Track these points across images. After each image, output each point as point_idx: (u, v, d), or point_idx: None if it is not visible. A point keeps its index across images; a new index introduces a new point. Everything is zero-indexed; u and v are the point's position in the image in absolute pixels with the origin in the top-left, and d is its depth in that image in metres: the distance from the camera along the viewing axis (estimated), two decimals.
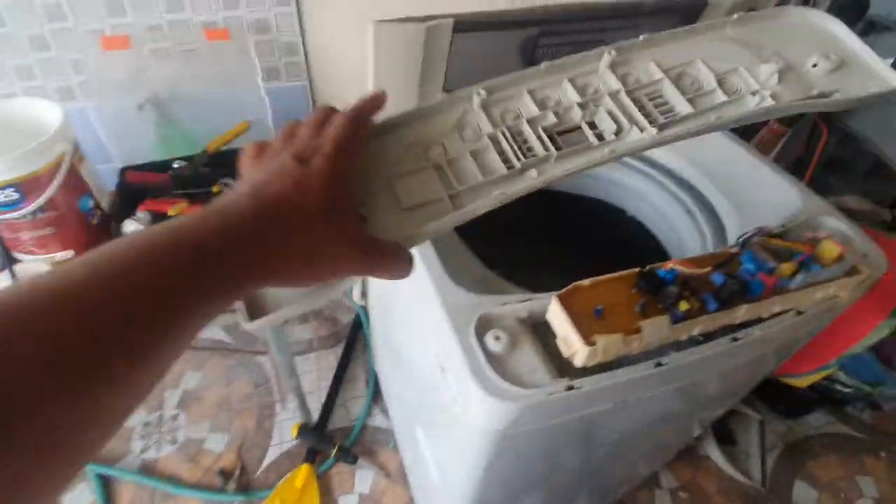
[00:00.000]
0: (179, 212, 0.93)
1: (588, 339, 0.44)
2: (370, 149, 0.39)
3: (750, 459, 1.41)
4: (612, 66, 0.44)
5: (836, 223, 0.66)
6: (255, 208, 0.28)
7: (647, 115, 0.41)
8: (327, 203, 0.31)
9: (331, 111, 0.36)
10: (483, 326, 0.51)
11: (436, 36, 0.59)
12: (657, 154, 0.84)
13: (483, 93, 0.41)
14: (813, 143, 1.55)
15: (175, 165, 1.05)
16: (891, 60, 1.19)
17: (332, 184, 0.31)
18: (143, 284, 0.23)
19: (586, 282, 0.49)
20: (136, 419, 1.51)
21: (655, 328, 0.46)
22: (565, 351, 0.46)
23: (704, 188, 0.78)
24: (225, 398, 1.47)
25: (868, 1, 1.19)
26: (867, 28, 1.31)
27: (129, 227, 0.90)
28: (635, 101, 0.42)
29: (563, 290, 0.48)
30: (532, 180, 0.39)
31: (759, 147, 1.25)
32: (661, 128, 0.41)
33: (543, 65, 0.43)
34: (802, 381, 1.22)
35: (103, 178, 1.06)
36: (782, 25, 0.49)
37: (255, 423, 1.41)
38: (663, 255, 0.85)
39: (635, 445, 0.80)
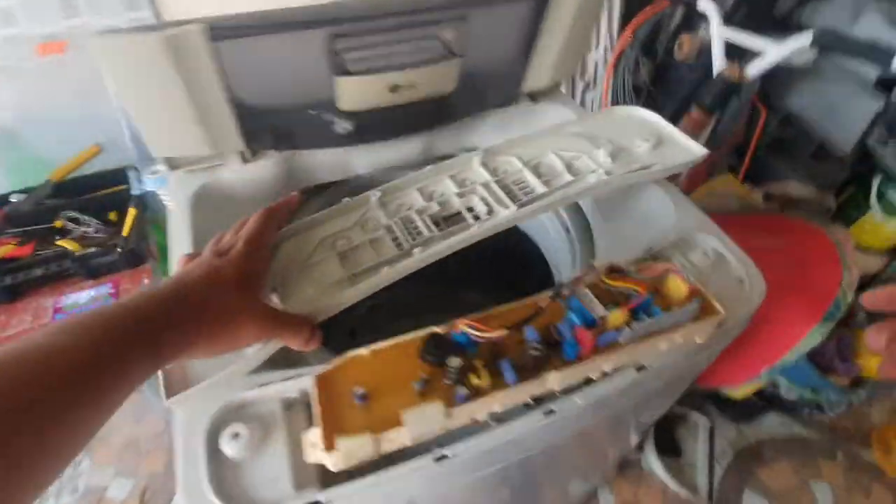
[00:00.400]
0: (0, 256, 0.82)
1: (328, 441, 0.34)
2: (290, 246, 0.49)
3: (696, 471, 1.32)
4: (484, 163, 0.56)
5: (711, 241, 0.55)
6: (176, 287, 0.35)
7: (512, 197, 0.52)
8: (240, 283, 0.38)
9: (248, 219, 0.45)
10: (222, 422, 0.40)
11: (183, 47, 0.47)
12: None
13: (378, 194, 0.53)
14: (753, 126, 1.44)
15: (13, 199, 0.94)
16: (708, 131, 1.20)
17: (244, 269, 0.39)
18: (69, 363, 0.27)
19: (365, 351, 0.41)
20: None
21: (424, 418, 0.36)
22: (308, 455, 0.36)
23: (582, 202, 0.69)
24: (133, 439, 1.37)
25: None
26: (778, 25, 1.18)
27: None
28: (503, 187, 0.53)
29: (333, 363, 0.40)
30: (417, 257, 0.47)
31: None
32: (521, 205, 0.51)
33: (428, 168, 0.55)
34: (738, 393, 1.13)
35: None
36: (614, 119, 0.63)
37: (164, 467, 1.31)
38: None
39: (532, 482, 0.70)
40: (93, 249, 0.86)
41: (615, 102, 1.37)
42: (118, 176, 0.99)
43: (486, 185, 0.53)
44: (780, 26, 1.24)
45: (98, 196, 0.95)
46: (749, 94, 1.38)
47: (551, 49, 0.68)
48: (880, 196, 1.18)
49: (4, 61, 0.97)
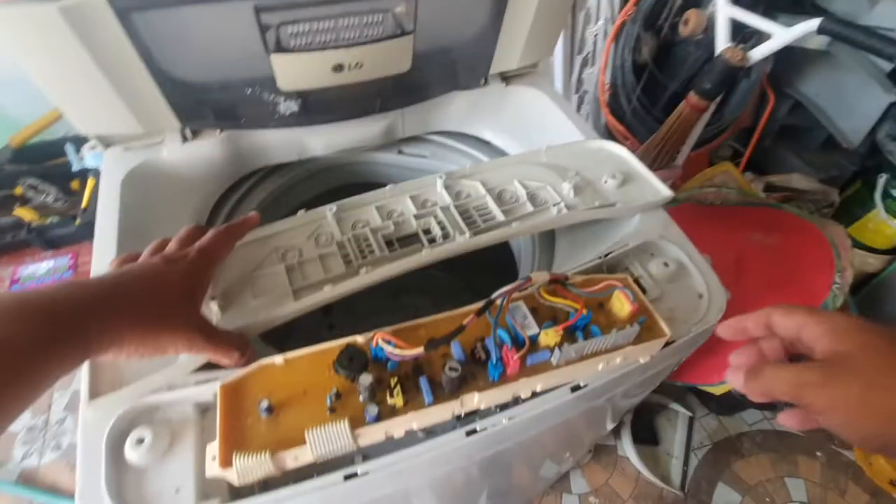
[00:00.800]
0: None
1: (224, 457, 0.33)
2: (241, 253, 0.48)
3: (672, 460, 1.32)
4: (447, 186, 0.56)
5: (673, 250, 0.51)
6: (117, 282, 0.35)
7: (469, 223, 0.52)
8: (184, 293, 0.37)
9: (196, 230, 0.44)
10: (128, 424, 0.39)
11: (87, 19, 0.43)
12: (489, 137, 0.79)
13: (335, 209, 0.52)
14: (762, 112, 1.35)
15: None
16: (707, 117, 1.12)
17: (190, 281, 0.38)
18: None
19: (279, 359, 0.38)
20: (20, 424, 1.43)
21: (329, 438, 0.34)
22: (208, 469, 0.34)
23: None
24: None
25: None
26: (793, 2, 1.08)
27: None
28: (463, 212, 0.53)
29: (244, 371, 0.37)
30: (362, 277, 0.47)
31: (677, 124, 1.07)
32: (476, 233, 0.51)
33: (388, 188, 0.55)
34: (717, 390, 1.10)
35: None
36: (584, 152, 0.62)
37: None
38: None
39: (499, 473, 0.69)
40: (52, 220, 0.84)
41: (614, 80, 1.29)
42: (83, 143, 0.96)
43: (445, 209, 0.53)
44: (796, 5, 1.14)
45: (59, 164, 0.92)
46: (758, 76, 1.29)
47: (519, 28, 0.63)
48: (885, 194, 1.12)
49: None
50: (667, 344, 0.47)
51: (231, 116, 0.59)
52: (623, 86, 1.27)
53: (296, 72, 0.54)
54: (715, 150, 1.43)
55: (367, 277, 0.47)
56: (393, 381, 0.37)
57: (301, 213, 0.51)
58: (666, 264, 0.52)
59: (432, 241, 0.51)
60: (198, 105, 0.57)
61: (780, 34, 0.92)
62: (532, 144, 0.72)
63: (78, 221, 0.82)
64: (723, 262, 0.80)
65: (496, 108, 0.74)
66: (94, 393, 0.40)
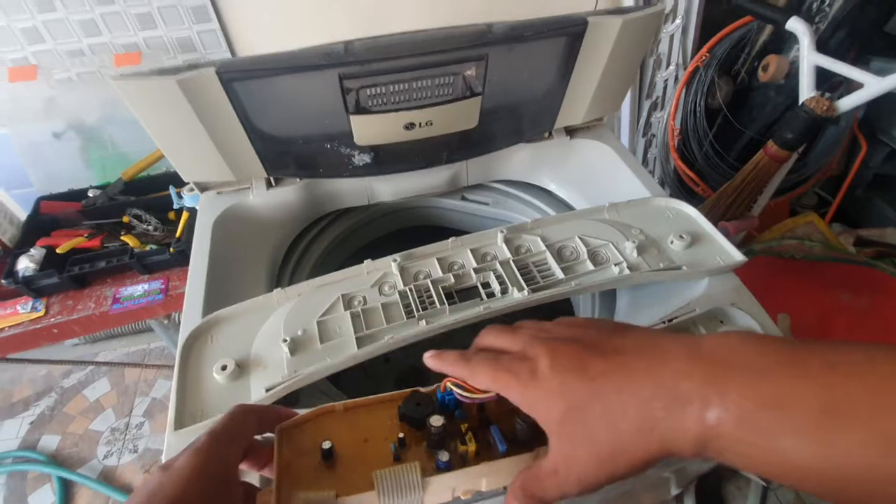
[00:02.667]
0: (71, 247, 0.92)
1: (283, 499, 0.31)
2: (310, 299, 0.52)
3: None
4: (507, 240, 0.57)
5: (746, 321, 0.50)
6: None
7: (528, 279, 0.53)
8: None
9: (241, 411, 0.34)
10: None
11: (198, 88, 0.49)
12: (553, 188, 0.79)
13: (398, 259, 0.55)
14: (852, 161, 1.26)
15: (90, 194, 1.05)
16: (787, 167, 1.05)
17: (193, 481, 0.28)
18: None
19: (339, 405, 0.37)
20: (106, 424, 1.56)
21: (398, 482, 0.32)
22: None
23: None
24: None
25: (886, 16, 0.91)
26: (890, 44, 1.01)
27: (22, 263, 0.91)
28: (522, 267, 0.54)
29: (304, 415, 0.36)
30: (421, 328, 0.49)
31: (754, 173, 1.02)
32: (535, 290, 0.51)
33: (451, 240, 0.57)
34: None
35: (24, 205, 1.09)
36: (650, 210, 0.61)
37: None
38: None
39: None
40: (150, 248, 0.94)
41: (685, 125, 1.26)
42: (180, 178, 1.07)
43: (505, 264, 0.54)
44: (891, 48, 1.07)
45: (160, 196, 1.03)
46: (849, 123, 1.21)
47: (586, 87, 0.64)
48: None
49: (90, 68, 1.08)
50: None
51: (310, 167, 0.65)
52: (694, 131, 1.24)
53: (371, 130, 0.58)
54: (797, 198, 1.34)
55: (426, 328, 0.48)
56: (463, 427, 0.35)
57: (367, 262, 0.54)
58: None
59: (490, 295, 0.52)
60: (282, 157, 0.62)
61: (872, 84, 0.86)
62: (595, 197, 0.72)
63: (172, 250, 0.91)
64: (803, 322, 0.74)
65: (559, 160, 0.75)
66: (180, 423, 0.44)
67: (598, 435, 0.26)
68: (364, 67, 0.52)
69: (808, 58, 0.95)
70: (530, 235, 0.57)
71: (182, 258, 0.94)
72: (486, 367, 0.32)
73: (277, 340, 0.48)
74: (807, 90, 0.95)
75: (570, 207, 0.75)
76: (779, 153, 0.98)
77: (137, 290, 0.92)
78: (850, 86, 1.01)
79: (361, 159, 0.64)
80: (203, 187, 0.67)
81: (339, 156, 0.63)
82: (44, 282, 0.89)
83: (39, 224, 0.99)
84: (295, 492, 0.31)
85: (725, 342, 0.26)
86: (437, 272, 0.54)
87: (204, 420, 0.44)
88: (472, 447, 0.34)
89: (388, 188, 0.74)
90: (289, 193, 0.68)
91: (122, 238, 0.96)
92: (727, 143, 1.25)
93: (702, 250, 0.55)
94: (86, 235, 0.95)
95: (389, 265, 0.54)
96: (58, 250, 0.91)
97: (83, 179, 1.12)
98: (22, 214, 1.06)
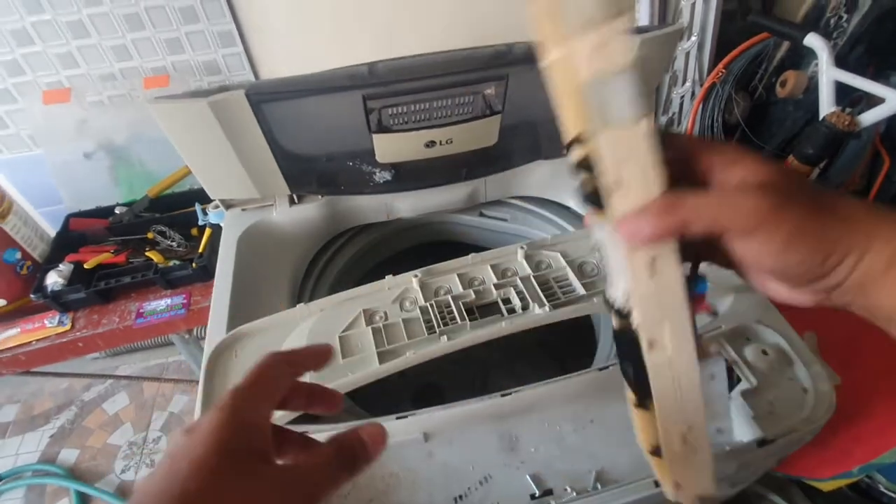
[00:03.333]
0: (98, 263, 0.94)
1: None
2: (331, 313, 0.53)
3: None
4: (528, 256, 0.57)
5: (773, 336, 0.49)
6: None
7: (549, 294, 0.53)
8: (219, 461, 0.24)
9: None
10: None
11: (227, 109, 0.51)
12: (572, 204, 0.79)
13: (419, 275, 0.55)
14: (874, 175, 1.23)
15: (116, 211, 1.08)
16: None
17: (223, 438, 0.25)
18: None
19: None
20: (124, 438, 1.58)
21: None
22: None
23: None
24: None
25: None
26: None
27: (51, 278, 0.94)
28: (543, 283, 0.54)
29: None
30: (442, 344, 0.49)
31: None
32: (556, 306, 0.51)
33: (471, 256, 0.57)
34: (825, 486, 0.97)
35: (54, 222, 1.13)
36: None
37: None
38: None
39: None
40: (173, 263, 0.96)
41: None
42: (203, 194, 1.10)
43: (525, 280, 0.54)
44: None
45: (184, 213, 1.05)
46: (870, 137, 1.19)
47: None
48: None
49: (120, 90, 1.12)
50: (764, 442, 0.44)
51: (332, 184, 0.66)
52: None
53: (393, 148, 0.60)
54: None
55: (447, 345, 0.49)
56: None
57: (388, 277, 0.55)
58: (765, 352, 0.49)
59: (511, 311, 0.52)
60: (305, 174, 0.64)
61: (893, 98, 0.85)
62: None
63: (194, 265, 0.92)
64: (832, 339, 0.73)
65: None
66: None
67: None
68: (387, 88, 0.53)
69: (828, 73, 0.95)
70: (551, 251, 0.57)
71: (204, 273, 0.95)
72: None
73: None
74: (827, 105, 0.94)
75: None
76: (800, 168, 0.97)
77: (160, 304, 0.94)
78: (871, 101, 1.00)
79: (382, 176, 0.65)
80: (228, 204, 0.69)
81: (361, 173, 0.64)
82: (71, 296, 0.91)
83: (68, 240, 1.02)
84: None
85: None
86: (458, 288, 0.54)
87: None
88: None
89: (407, 204, 0.75)
90: (311, 210, 0.69)
91: (147, 254, 0.98)
92: None
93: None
94: (112, 251, 0.98)
95: (410, 281, 0.55)
96: (85, 265, 0.93)
97: (111, 197, 1.15)
98: (51, 231, 1.09)
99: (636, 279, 0.24)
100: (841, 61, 0.96)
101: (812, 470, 0.97)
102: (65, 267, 0.93)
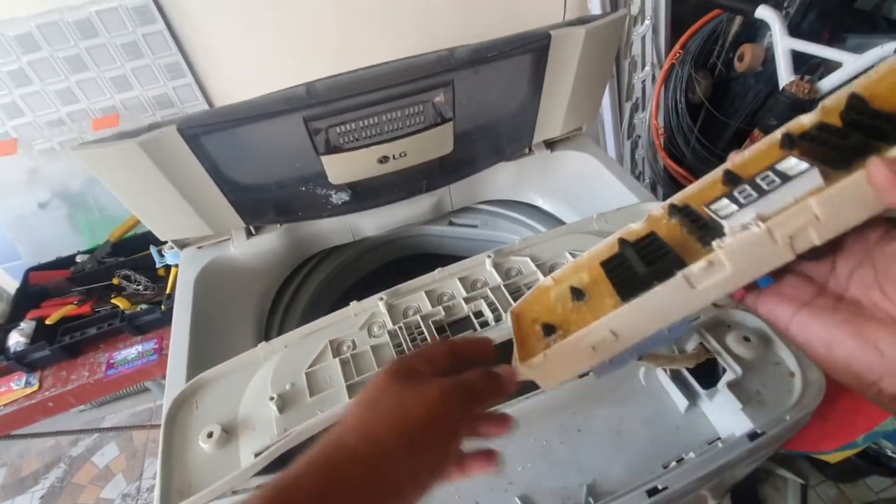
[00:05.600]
0: (61, 317, 0.90)
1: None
2: (296, 349, 0.50)
3: None
4: (496, 265, 0.55)
5: (754, 322, 0.48)
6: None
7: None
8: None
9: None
10: None
11: (161, 147, 0.48)
12: (541, 202, 0.78)
13: (385, 297, 0.52)
14: None
15: (77, 260, 1.04)
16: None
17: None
18: None
19: (548, 280, 0.39)
20: (117, 490, 1.52)
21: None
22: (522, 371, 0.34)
23: None
24: None
25: None
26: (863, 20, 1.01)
27: (13, 339, 0.89)
28: (514, 291, 0.52)
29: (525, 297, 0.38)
30: None
31: None
32: None
33: (437, 271, 0.54)
34: (832, 458, 0.96)
35: (14, 278, 1.08)
36: (639, 216, 0.55)
37: None
38: None
39: None
40: (140, 308, 0.92)
41: (668, 122, 1.25)
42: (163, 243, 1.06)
43: (496, 290, 0.52)
44: (866, 24, 1.06)
45: (148, 254, 1.02)
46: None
47: (560, 101, 0.62)
48: None
49: (70, 135, 1.08)
50: (756, 436, 0.42)
51: (288, 211, 0.63)
52: (679, 127, 1.23)
53: (345, 167, 0.57)
54: None
55: None
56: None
57: (353, 304, 0.52)
58: (747, 338, 0.47)
59: (484, 324, 0.49)
60: (258, 205, 0.61)
61: (850, 62, 0.85)
62: (584, 207, 0.70)
63: (163, 307, 0.89)
64: None
65: (543, 175, 0.73)
66: (166, 501, 0.41)
67: None
68: (329, 107, 0.51)
69: (782, 43, 0.94)
70: (519, 257, 0.55)
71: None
72: None
73: (265, 398, 0.45)
74: (785, 75, 0.94)
75: (560, 221, 0.73)
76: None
77: (131, 352, 0.90)
78: (829, 67, 1.00)
79: (339, 198, 0.63)
80: (182, 244, 0.65)
81: (317, 197, 0.62)
82: (35, 355, 0.87)
83: (29, 296, 0.98)
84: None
85: None
86: (427, 306, 0.52)
87: (192, 496, 0.41)
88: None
89: (372, 222, 0.72)
90: (270, 240, 0.67)
91: (113, 300, 0.94)
92: (713, 135, 1.23)
93: None
94: (75, 302, 0.94)
95: (376, 304, 0.52)
96: (47, 321, 0.89)
97: (73, 245, 1.11)
98: (11, 288, 1.05)
99: None
100: (794, 30, 0.96)
101: (816, 444, 0.96)
102: (26, 325, 0.89)
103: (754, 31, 1.14)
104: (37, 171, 1.07)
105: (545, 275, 0.52)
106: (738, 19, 1.13)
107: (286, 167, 0.57)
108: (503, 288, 0.52)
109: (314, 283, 0.74)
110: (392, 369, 0.32)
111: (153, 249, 0.91)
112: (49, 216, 1.09)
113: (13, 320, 0.92)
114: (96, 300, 0.96)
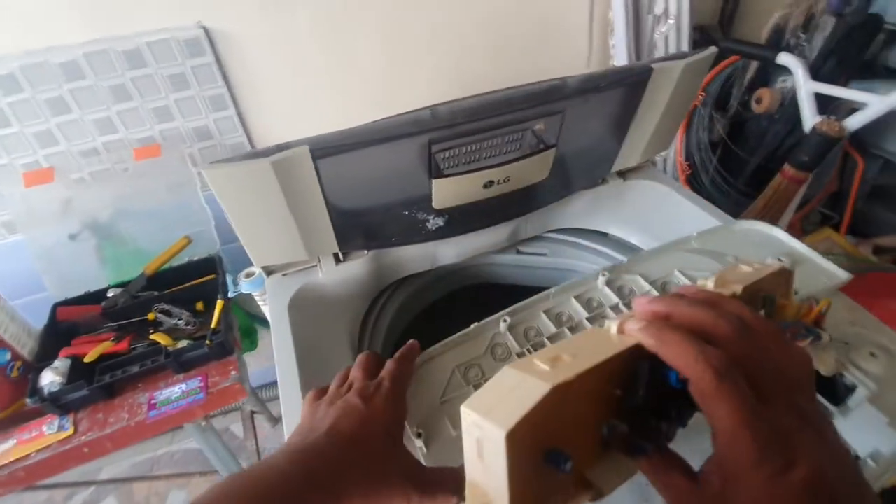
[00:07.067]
0: (97, 355, 0.85)
1: None
2: (423, 376, 0.47)
3: None
4: (609, 283, 0.54)
5: (873, 337, 0.50)
6: (334, 449, 0.35)
7: None
8: (388, 435, 0.37)
9: (374, 356, 0.45)
10: None
11: (289, 168, 0.47)
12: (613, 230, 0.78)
13: (508, 319, 0.51)
14: (848, 175, 1.32)
15: (109, 294, 0.99)
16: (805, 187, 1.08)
17: (392, 417, 0.39)
18: None
19: (572, 375, 0.24)
20: None
21: (612, 478, 0.27)
22: None
23: None
24: None
25: (880, 19, 1.01)
26: (888, 39, 1.11)
27: (46, 379, 0.83)
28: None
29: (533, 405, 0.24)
30: None
31: (775, 196, 1.05)
32: None
33: (553, 290, 0.54)
34: None
35: (33, 314, 1.01)
36: (736, 236, 0.60)
37: None
38: None
39: None
40: (184, 344, 0.88)
41: (689, 159, 1.31)
42: (206, 266, 1.03)
43: (615, 309, 0.52)
44: (867, 70, 1.16)
45: (187, 287, 0.98)
46: (841, 142, 1.28)
47: (645, 132, 0.65)
48: None
49: (103, 165, 1.05)
50: None
51: (382, 236, 0.63)
52: (701, 163, 1.29)
53: (451, 191, 0.58)
54: (805, 217, 1.39)
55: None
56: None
57: (475, 325, 0.51)
58: (873, 354, 0.48)
59: None
60: (356, 229, 0.60)
61: (876, 103, 0.92)
62: (656, 234, 0.72)
63: (209, 342, 0.85)
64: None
65: (616, 203, 0.75)
66: None
67: None
68: (452, 130, 0.52)
69: (806, 86, 1.02)
70: (630, 275, 0.55)
71: (221, 350, 0.87)
72: (686, 352, 0.24)
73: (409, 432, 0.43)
74: (810, 116, 1.01)
75: (632, 247, 0.74)
76: (797, 175, 1.02)
77: (175, 391, 0.85)
78: (844, 108, 1.08)
79: (435, 223, 0.63)
80: (269, 271, 0.64)
81: (414, 222, 0.61)
82: (72, 396, 0.80)
83: (58, 332, 0.92)
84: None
85: None
86: (549, 327, 0.51)
87: None
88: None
89: (452, 250, 0.72)
90: (358, 267, 0.65)
91: (152, 337, 0.89)
92: (732, 170, 1.30)
93: (804, 272, 0.55)
94: (112, 339, 0.88)
95: (498, 325, 0.51)
96: (85, 359, 0.83)
97: (98, 279, 1.06)
98: (33, 323, 0.98)
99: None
100: (813, 75, 1.04)
101: None
102: (61, 363, 0.82)
103: (767, 75, 1.23)
104: (70, 202, 1.02)
105: (660, 292, 0.53)
106: (754, 65, 1.22)
107: (395, 191, 0.57)
108: (622, 306, 0.52)
109: (391, 311, 0.72)
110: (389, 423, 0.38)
111: (229, 278, 0.87)
112: (78, 248, 1.04)
113: (43, 358, 0.85)
114: (133, 336, 0.91)
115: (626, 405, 0.27)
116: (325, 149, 0.48)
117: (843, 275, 0.53)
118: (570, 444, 0.25)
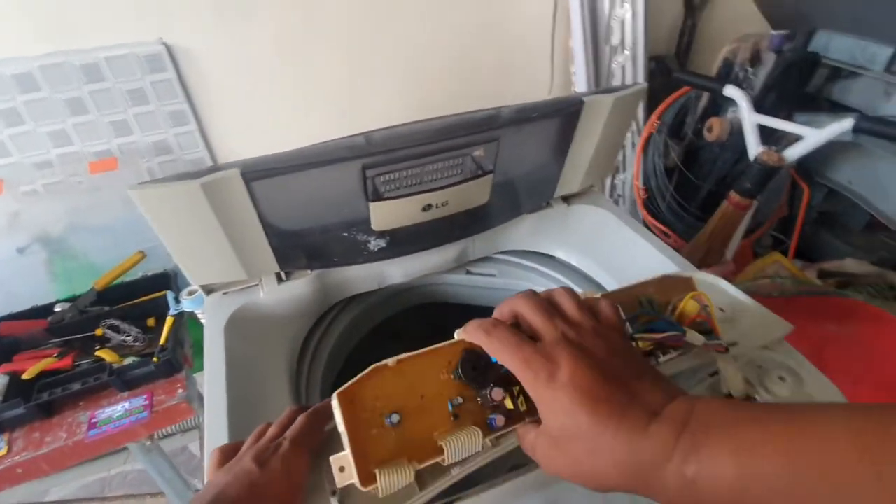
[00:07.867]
0: (37, 372, 0.83)
1: (365, 473, 0.31)
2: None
3: None
4: None
5: (780, 358, 0.51)
6: None
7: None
8: (282, 499, 0.36)
9: (300, 411, 0.42)
10: None
11: (220, 190, 0.48)
12: (560, 254, 0.80)
13: None
14: (796, 202, 1.38)
15: (56, 309, 0.97)
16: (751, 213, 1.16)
17: (287, 486, 0.36)
18: None
19: (391, 362, 0.34)
20: None
21: (464, 447, 0.33)
22: (338, 480, 0.32)
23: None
24: None
25: (817, 56, 1.07)
26: (831, 75, 1.18)
27: None
28: None
29: (358, 377, 0.33)
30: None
31: (721, 222, 1.10)
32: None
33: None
34: None
35: None
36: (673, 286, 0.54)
37: None
38: None
39: None
40: (130, 361, 0.86)
41: (646, 184, 1.36)
42: (159, 281, 1.02)
43: None
44: (810, 101, 1.23)
45: (138, 303, 0.97)
46: (787, 171, 1.34)
47: (583, 159, 0.68)
48: None
49: (56, 177, 1.04)
50: None
51: (324, 256, 0.63)
52: (657, 188, 1.34)
53: (389, 214, 0.59)
54: (756, 242, 1.44)
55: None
56: (517, 388, 0.35)
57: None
58: (782, 378, 0.50)
59: None
60: (296, 249, 0.61)
61: (812, 136, 0.97)
62: (598, 257, 0.74)
63: (156, 359, 0.83)
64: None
65: (561, 227, 0.78)
66: None
67: (582, 461, 0.29)
68: (386, 156, 0.53)
69: (749, 118, 1.07)
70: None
71: (169, 368, 0.86)
72: (507, 349, 0.32)
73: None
74: (754, 146, 1.06)
75: (576, 272, 0.76)
76: (742, 202, 1.07)
77: (117, 410, 0.83)
78: (787, 139, 1.14)
79: (377, 244, 0.64)
80: (209, 289, 0.63)
81: (355, 243, 0.62)
82: (7, 414, 0.78)
83: (0, 348, 0.89)
84: (377, 467, 0.32)
85: (711, 405, 0.29)
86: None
87: None
88: (522, 406, 0.35)
89: (399, 270, 0.73)
90: (301, 286, 0.66)
91: (97, 353, 0.87)
92: (687, 195, 1.35)
93: (747, 323, 0.52)
94: (55, 355, 0.86)
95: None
96: (24, 376, 0.81)
97: (47, 294, 1.04)
98: None
99: None
100: (757, 107, 1.10)
101: None
102: (1, 378, 0.80)
103: (718, 106, 1.29)
104: (18, 215, 1.00)
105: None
106: (706, 95, 1.28)
107: (333, 213, 0.58)
108: None
109: (336, 331, 0.72)
110: (299, 485, 0.37)
111: (170, 295, 0.86)
112: (26, 262, 1.02)
113: None
114: (78, 353, 0.89)
115: (465, 382, 0.34)
116: (256, 172, 0.49)
117: (787, 325, 0.51)
118: (423, 415, 0.33)
